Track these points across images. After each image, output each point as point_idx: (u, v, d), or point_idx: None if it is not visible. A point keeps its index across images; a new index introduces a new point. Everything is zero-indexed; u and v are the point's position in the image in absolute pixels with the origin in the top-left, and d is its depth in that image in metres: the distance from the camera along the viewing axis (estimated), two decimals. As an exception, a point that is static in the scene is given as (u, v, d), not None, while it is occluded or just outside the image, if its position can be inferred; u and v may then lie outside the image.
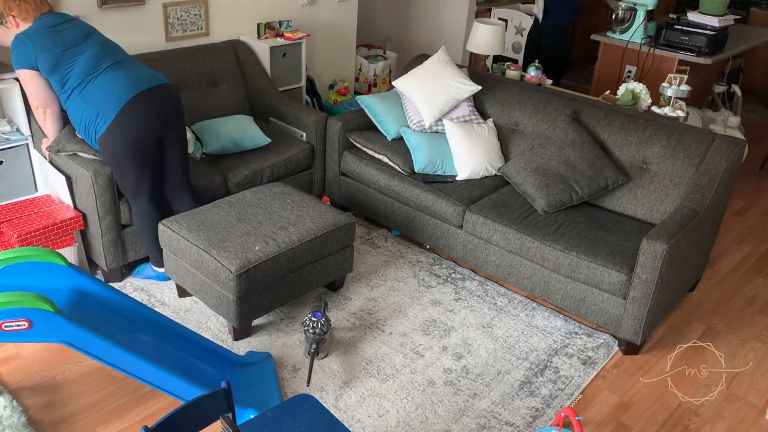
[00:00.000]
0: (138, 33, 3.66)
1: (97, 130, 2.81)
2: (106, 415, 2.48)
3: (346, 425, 1.90)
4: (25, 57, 2.79)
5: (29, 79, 2.84)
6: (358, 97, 3.95)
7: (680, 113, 3.56)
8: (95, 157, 3.00)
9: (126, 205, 3.06)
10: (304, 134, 3.83)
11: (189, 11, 3.85)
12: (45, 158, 3.16)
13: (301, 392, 2.34)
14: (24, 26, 2.82)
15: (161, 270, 3.18)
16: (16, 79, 3.10)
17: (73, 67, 2.80)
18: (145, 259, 3.31)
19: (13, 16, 2.81)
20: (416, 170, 3.53)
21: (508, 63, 4.22)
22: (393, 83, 3.89)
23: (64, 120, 3.05)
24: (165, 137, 2.92)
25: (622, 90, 3.79)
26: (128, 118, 2.77)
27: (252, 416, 2.26)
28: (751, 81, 6.14)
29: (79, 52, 2.81)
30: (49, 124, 3.00)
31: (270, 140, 3.66)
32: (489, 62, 4.61)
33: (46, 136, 3.11)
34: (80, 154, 3.01)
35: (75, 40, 2.83)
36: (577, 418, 2.49)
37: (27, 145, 3.20)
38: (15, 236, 2.92)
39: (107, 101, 2.77)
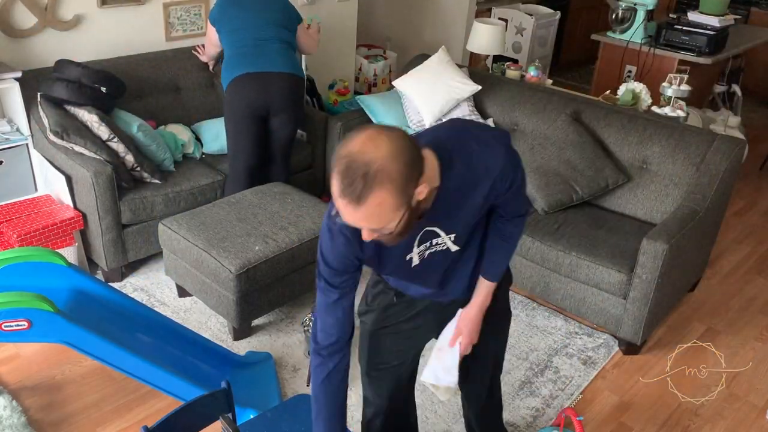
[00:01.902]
0: (138, 33, 3.66)
1: (224, 86, 3.26)
2: (106, 415, 2.48)
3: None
4: (212, 14, 3.28)
5: (209, 31, 3.38)
6: (358, 97, 3.95)
7: (680, 113, 3.56)
8: (95, 156, 3.00)
9: (126, 204, 3.06)
10: (304, 134, 3.82)
11: (189, 11, 3.84)
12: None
13: (301, 392, 2.34)
14: None
15: None
16: (16, 79, 3.10)
17: (230, 38, 3.23)
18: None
19: None
20: (416, 170, 3.52)
21: (508, 63, 4.22)
22: (393, 83, 3.89)
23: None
24: (269, 115, 3.26)
25: (622, 90, 3.79)
26: (234, 91, 3.19)
27: (252, 416, 2.26)
28: (751, 81, 6.14)
29: (241, 26, 3.20)
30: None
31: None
32: (489, 62, 4.60)
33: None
34: (80, 150, 3.01)
35: (247, 10, 3.21)
36: (578, 418, 2.49)
37: (27, 145, 3.19)
38: (15, 236, 2.92)
39: (227, 76, 3.20)
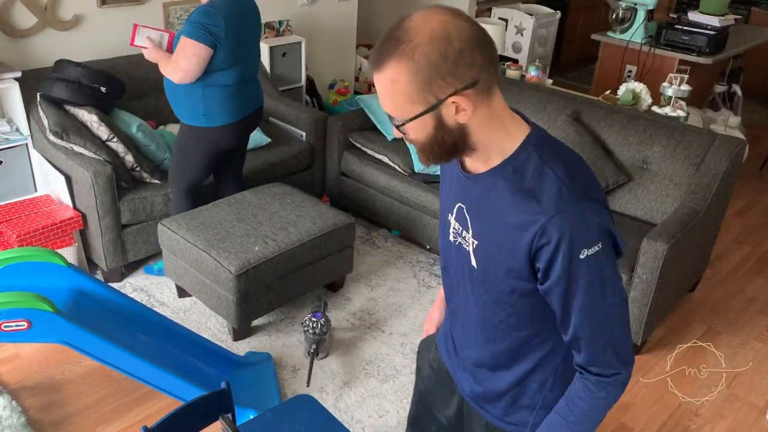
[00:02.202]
0: (138, 33, 3.66)
1: (195, 122, 2.86)
2: (105, 415, 2.48)
3: (346, 425, 1.90)
4: (211, 37, 2.65)
5: (199, 53, 2.66)
6: (358, 97, 3.94)
7: (681, 113, 3.55)
8: (95, 156, 3.00)
9: (126, 204, 3.06)
10: (304, 134, 3.82)
11: (189, 11, 3.84)
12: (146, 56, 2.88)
13: (301, 392, 2.34)
14: None
15: None
16: (16, 79, 3.10)
17: (229, 68, 2.77)
18: (147, 259, 3.31)
19: None
20: (416, 170, 3.52)
21: (508, 63, 4.22)
22: (393, 83, 3.89)
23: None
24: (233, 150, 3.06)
25: (622, 90, 3.79)
26: (229, 134, 2.90)
27: (252, 416, 2.26)
28: (751, 81, 6.13)
29: (241, 56, 2.79)
30: (174, 78, 2.77)
31: (270, 140, 3.66)
32: (489, 62, 4.60)
33: (164, 38, 2.89)
34: (80, 150, 3.01)
35: (246, 38, 2.80)
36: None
37: (26, 145, 3.19)
38: (14, 236, 2.92)
39: (220, 114, 2.83)
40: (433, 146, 1.12)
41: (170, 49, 2.86)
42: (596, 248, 1.07)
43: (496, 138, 1.12)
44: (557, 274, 1.09)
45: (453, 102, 1.04)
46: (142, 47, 2.82)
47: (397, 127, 1.12)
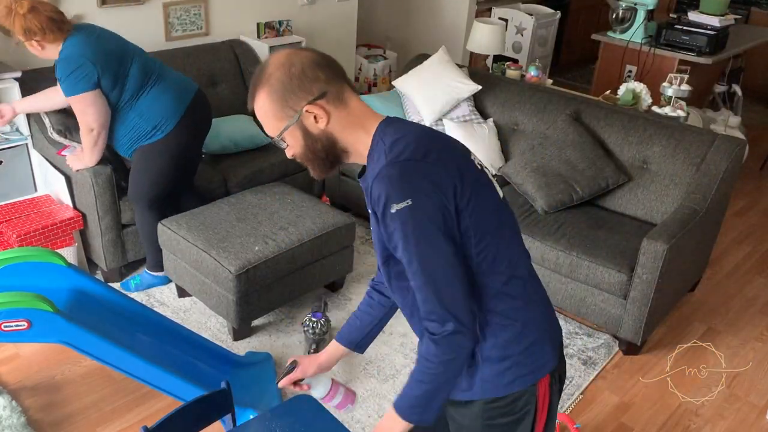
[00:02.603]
0: (138, 32, 3.64)
1: (150, 139, 2.81)
2: (106, 415, 2.48)
3: (346, 425, 1.90)
4: (88, 79, 2.61)
5: (92, 100, 2.65)
6: (358, 97, 3.94)
7: (681, 113, 3.55)
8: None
9: (126, 204, 3.06)
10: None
11: (189, 11, 3.84)
12: (73, 170, 2.98)
13: (301, 392, 2.33)
14: (52, 49, 2.62)
15: (159, 273, 3.17)
16: (17, 79, 3.10)
17: (127, 80, 2.72)
18: (142, 262, 3.31)
19: (37, 41, 2.59)
20: (416, 170, 3.52)
21: (508, 63, 4.22)
22: (393, 83, 3.89)
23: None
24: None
25: (622, 90, 3.79)
26: (186, 129, 2.85)
27: (252, 416, 2.26)
28: (751, 81, 6.13)
29: (127, 64, 2.72)
30: (99, 148, 2.83)
31: (270, 140, 3.65)
32: (489, 62, 4.60)
33: (75, 149, 2.99)
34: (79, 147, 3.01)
35: (120, 52, 2.72)
36: (575, 426, 2.49)
37: (27, 145, 3.19)
38: (14, 236, 2.92)
39: (166, 113, 2.79)
40: (309, 154, 1.33)
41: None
42: (406, 203, 1.20)
43: (358, 136, 1.32)
44: (384, 230, 1.27)
45: (308, 111, 1.27)
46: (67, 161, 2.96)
47: (276, 143, 1.33)
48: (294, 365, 1.66)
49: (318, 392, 1.70)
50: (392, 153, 1.26)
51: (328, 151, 1.33)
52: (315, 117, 1.28)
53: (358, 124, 1.32)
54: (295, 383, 1.67)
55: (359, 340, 1.67)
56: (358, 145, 1.33)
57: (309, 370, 1.68)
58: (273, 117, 1.30)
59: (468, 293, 1.25)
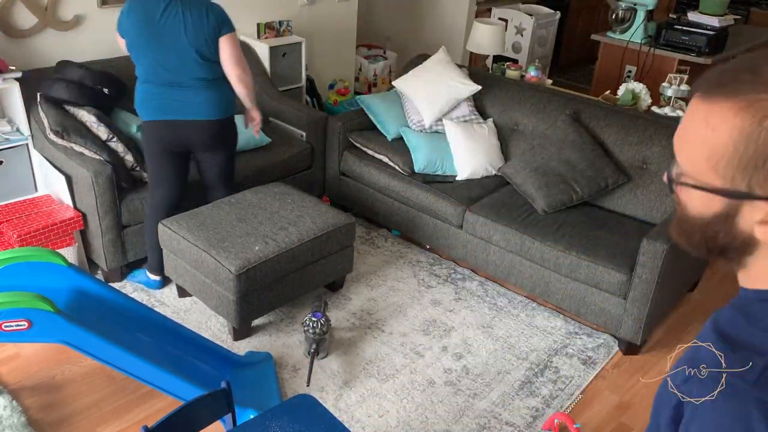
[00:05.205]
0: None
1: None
2: (106, 415, 2.48)
3: (346, 425, 1.90)
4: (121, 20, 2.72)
5: (118, 40, 2.81)
6: (358, 97, 3.95)
7: (680, 113, 3.55)
8: (95, 156, 3.00)
9: (126, 205, 3.06)
10: (304, 134, 3.83)
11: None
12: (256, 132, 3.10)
13: (301, 392, 2.34)
14: None
15: (154, 278, 3.16)
16: (17, 79, 3.10)
17: (135, 60, 2.76)
18: (143, 261, 3.31)
19: None
20: (416, 170, 3.52)
21: (508, 63, 4.22)
22: (393, 83, 3.89)
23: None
24: (192, 153, 2.98)
25: (622, 90, 3.79)
26: (147, 130, 2.87)
27: (252, 416, 2.26)
28: (751, 81, 6.13)
29: (149, 52, 2.71)
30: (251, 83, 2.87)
31: (270, 140, 3.66)
32: (489, 62, 4.61)
33: (252, 106, 2.96)
34: (80, 150, 3.01)
35: (158, 34, 2.67)
36: (575, 425, 2.49)
37: (27, 145, 3.19)
38: (15, 236, 2.92)
39: (140, 107, 2.83)
40: (696, 230, 0.85)
41: None
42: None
43: None
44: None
45: (764, 209, 0.75)
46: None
47: (672, 179, 0.86)
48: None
49: None
50: None
51: (726, 250, 0.84)
52: (765, 219, 0.76)
53: None
54: None
55: None
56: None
57: None
58: (710, 159, 0.78)
59: None
